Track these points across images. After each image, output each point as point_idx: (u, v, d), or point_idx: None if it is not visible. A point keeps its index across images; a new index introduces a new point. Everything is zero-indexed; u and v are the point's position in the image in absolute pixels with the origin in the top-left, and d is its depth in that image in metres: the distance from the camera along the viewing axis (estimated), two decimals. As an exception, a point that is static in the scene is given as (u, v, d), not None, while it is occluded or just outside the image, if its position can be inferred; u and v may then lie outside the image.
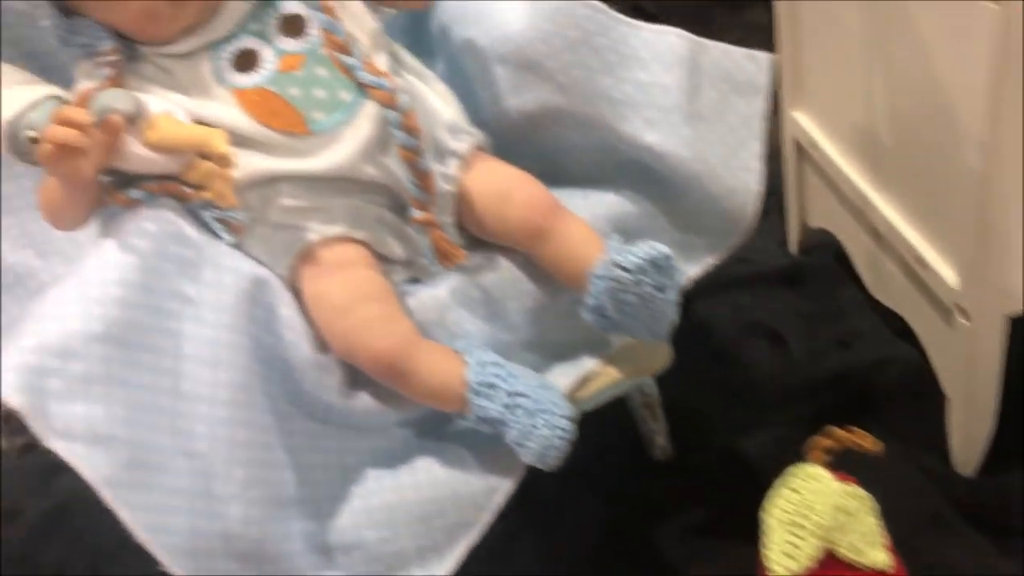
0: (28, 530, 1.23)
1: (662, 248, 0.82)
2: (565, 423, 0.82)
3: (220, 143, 0.78)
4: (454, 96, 0.93)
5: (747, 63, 0.91)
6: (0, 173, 0.92)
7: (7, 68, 0.81)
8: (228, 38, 0.84)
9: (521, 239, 0.88)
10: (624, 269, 0.81)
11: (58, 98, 0.79)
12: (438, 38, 0.99)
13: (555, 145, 0.95)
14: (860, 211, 1.12)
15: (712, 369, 1.20)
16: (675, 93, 0.88)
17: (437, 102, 0.91)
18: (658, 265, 0.82)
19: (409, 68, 0.92)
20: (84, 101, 0.75)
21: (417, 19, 1.00)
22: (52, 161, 0.73)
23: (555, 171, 0.97)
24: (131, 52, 0.84)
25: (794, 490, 0.82)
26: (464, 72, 0.96)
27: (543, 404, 0.82)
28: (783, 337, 1.23)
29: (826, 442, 0.85)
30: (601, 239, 0.87)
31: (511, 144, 0.95)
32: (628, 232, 0.92)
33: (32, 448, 1.38)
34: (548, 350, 0.93)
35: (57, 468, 1.27)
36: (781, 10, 1.16)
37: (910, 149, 0.99)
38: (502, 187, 0.88)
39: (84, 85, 0.83)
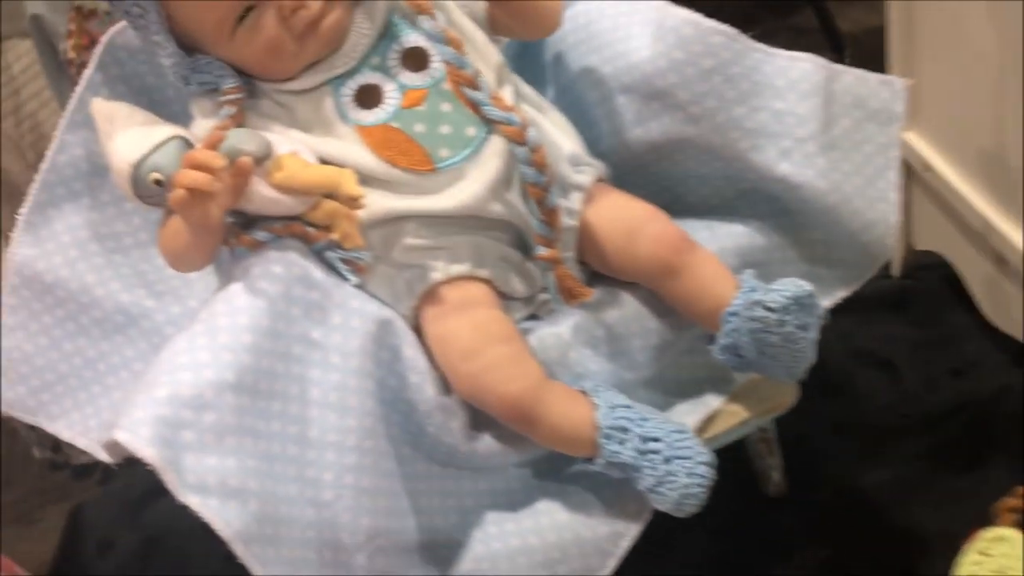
0: (121, 562, 1.22)
1: (805, 285, 0.79)
2: (704, 470, 0.79)
3: (351, 184, 0.75)
4: (572, 127, 0.90)
5: (882, 89, 0.87)
6: (110, 210, 0.90)
7: (127, 108, 0.79)
8: (350, 73, 0.82)
9: (649, 276, 0.85)
10: (768, 308, 0.77)
11: (182, 139, 0.77)
12: (551, 64, 0.96)
13: (677, 174, 0.92)
14: (980, 236, 1.08)
15: (821, 399, 1.16)
16: (810, 122, 0.84)
17: (557, 133, 0.88)
18: (802, 303, 0.78)
19: (527, 98, 0.89)
20: (213, 143, 0.72)
21: (528, 44, 0.97)
22: (182, 206, 0.71)
23: (675, 200, 0.94)
24: (251, 88, 0.82)
25: (986, 554, 0.78)
26: (581, 100, 0.93)
27: (680, 450, 0.79)
28: (894, 365, 1.19)
29: (1014, 502, 0.82)
30: (733, 275, 0.83)
31: (629, 173, 0.92)
32: (755, 264, 0.88)
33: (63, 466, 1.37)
34: (671, 387, 0.90)
35: (146, 499, 1.27)
36: (894, 32, 1.11)
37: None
38: (629, 222, 0.85)
39: (204, 124, 0.81)
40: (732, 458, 1.08)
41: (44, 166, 0.88)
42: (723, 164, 0.88)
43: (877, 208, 0.87)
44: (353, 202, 0.76)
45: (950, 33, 1.04)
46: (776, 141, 0.85)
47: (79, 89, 0.88)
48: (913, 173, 1.18)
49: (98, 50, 0.88)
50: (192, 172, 0.71)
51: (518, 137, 0.79)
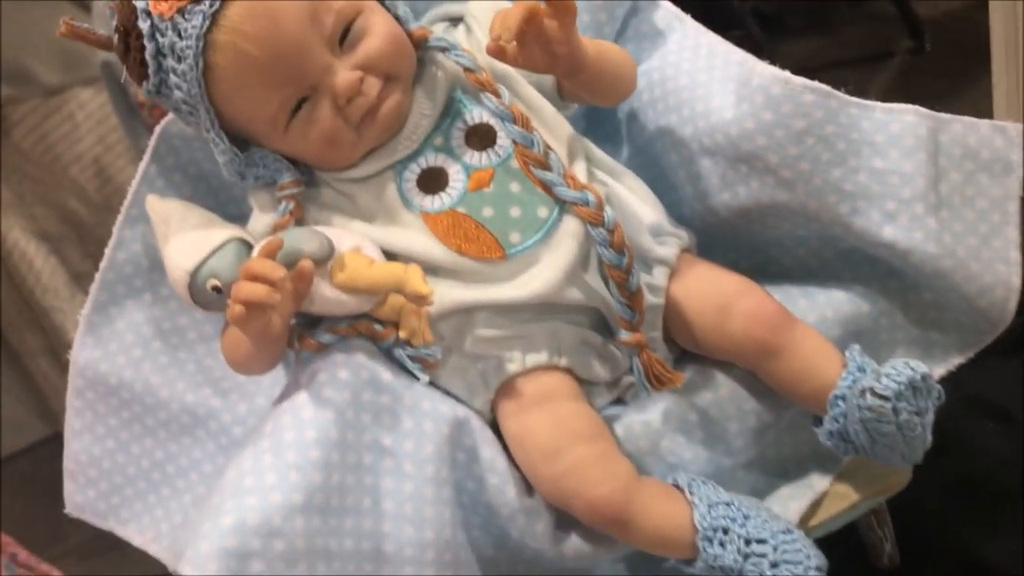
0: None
1: (919, 367, 0.71)
2: (816, 575, 0.71)
3: (417, 282, 0.70)
4: (651, 193, 0.84)
5: (994, 137, 0.79)
6: (172, 304, 0.87)
7: (182, 208, 0.75)
8: (412, 156, 0.77)
9: (745, 356, 0.78)
10: (879, 396, 0.70)
11: (240, 241, 0.73)
12: (625, 122, 0.90)
13: (770, 237, 0.84)
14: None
15: (933, 457, 1.07)
16: (916, 180, 0.76)
17: (635, 202, 0.82)
18: (917, 387, 0.71)
19: (600, 164, 0.83)
20: (271, 251, 0.68)
21: (600, 103, 0.90)
22: (241, 321, 0.67)
23: (769, 262, 0.87)
24: (310, 178, 0.78)
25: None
26: (659, 162, 0.86)
27: (788, 553, 0.72)
28: (1012, 416, 1.09)
29: None
30: (839, 353, 0.76)
31: (717, 237, 0.85)
32: (861, 333, 0.81)
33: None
34: (773, 469, 0.83)
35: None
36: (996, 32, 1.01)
37: None
38: (719, 298, 0.78)
39: (263, 218, 0.77)
40: (839, 529, 1.00)
41: (103, 264, 0.85)
42: (820, 227, 0.80)
43: (995, 270, 0.78)
44: (420, 300, 0.71)
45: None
46: (879, 203, 0.77)
47: (135, 183, 0.84)
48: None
49: (152, 141, 0.84)
50: (250, 285, 0.66)
51: (594, 218, 0.73)
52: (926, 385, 0.71)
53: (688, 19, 0.86)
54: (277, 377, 0.84)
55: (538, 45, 0.71)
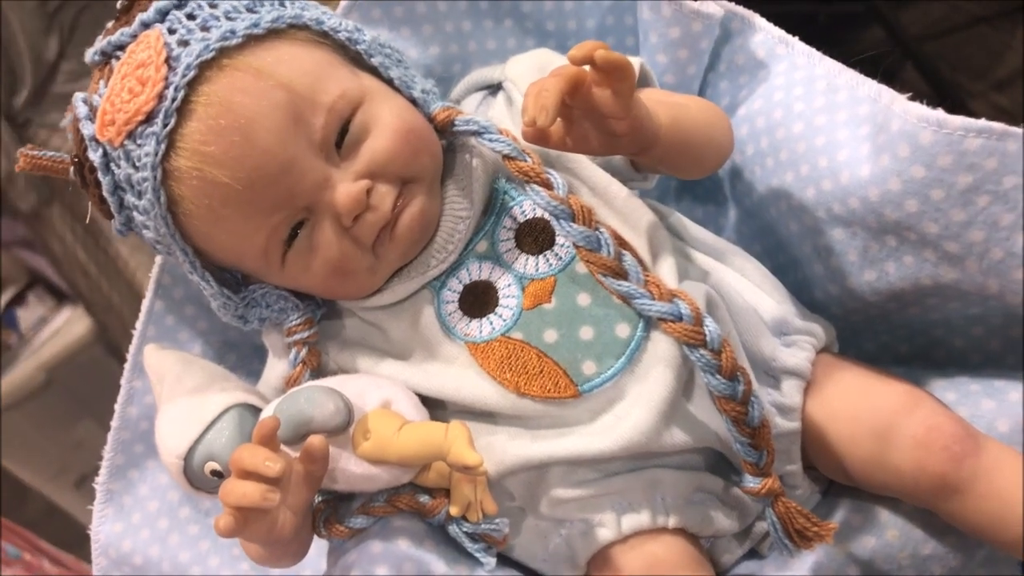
0: None
1: None
2: None
3: (462, 449, 0.53)
4: (769, 274, 0.64)
5: None
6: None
7: (179, 364, 0.61)
8: (451, 270, 0.60)
9: (918, 495, 0.58)
10: None
11: (243, 407, 0.58)
12: (727, 181, 0.71)
13: (935, 319, 0.64)
14: None
15: None
16: None
17: (750, 291, 0.63)
18: None
19: (697, 243, 0.64)
20: (266, 435, 0.52)
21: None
22: (237, 530, 0.51)
23: (933, 345, 0.66)
24: (330, 309, 0.62)
25: None
26: (776, 231, 0.67)
27: None
28: None
29: None
30: None
31: (860, 323, 0.65)
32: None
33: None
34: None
35: None
36: None
37: None
38: (877, 419, 0.58)
39: (277, 366, 0.63)
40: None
41: (114, 424, 0.72)
42: (1003, 306, 0.59)
43: None
44: (468, 471, 0.54)
45: None
46: (1090, 274, 0.55)
47: (139, 325, 0.71)
48: None
49: (154, 275, 0.71)
50: (240, 486, 0.51)
51: (691, 337, 0.54)
52: None
53: (796, 43, 0.66)
54: (321, 545, 0.68)
55: (589, 122, 0.53)
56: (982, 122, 0.54)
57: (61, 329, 1.73)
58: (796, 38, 0.67)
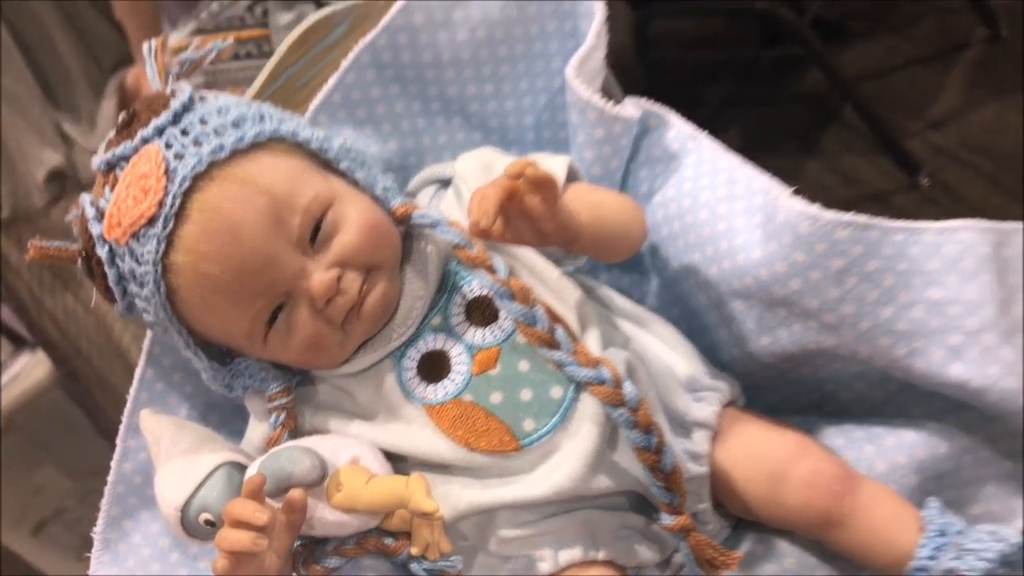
0: None
1: (1010, 536, 0.61)
2: None
3: (420, 498, 0.63)
4: (683, 339, 0.75)
5: (1074, 244, 0.68)
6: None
7: (173, 428, 0.70)
8: (410, 342, 0.70)
9: (808, 528, 0.69)
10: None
11: (230, 465, 0.67)
12: (648, 255, 0.82)
13: (822, 376, 0.75)
14: None
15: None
16: (983, 307, 0.66)
17: (666, 353, 0.73)
18: (1009, 561, 0.61)
19: (622, 313, 0.75)
20: (254, 489, 0.61)
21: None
22: (232, 571, 0.60)
23: (826, 399, 0.77)
24: (305, 376, 0.72)
25: None
26: (689, 301, 0.78)
27: None
28: None
29: None
30: (916, 513, 0.66)
31: (762, 380, 0.76)
32: (941, 475, 0.71)
33: None
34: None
35: None
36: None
37: None
38: (771, 464, 0.69)
39: (258, 428, 0.72)
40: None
41: (111, 478, 0.80)
42: (878, 369, 0.70)
43: None
44: (426, 517, 0.63)
45: None
46: (941, 339, 0.66)
47: (133, 390, 0.80)
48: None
49: (146, 346, 0.80)
50: (233, 533, 0.60)
51: (612, 398, 0.65)
52: (1020, 556, 0.61)
53: (703, 138, 0.77)
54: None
55: (523, 223, 0.64)
56: (849, 216, 0.66)
57: (20, 374, 1.77)
58: (704, 133, 0.78)
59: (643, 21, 2.12)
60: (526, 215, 0.63)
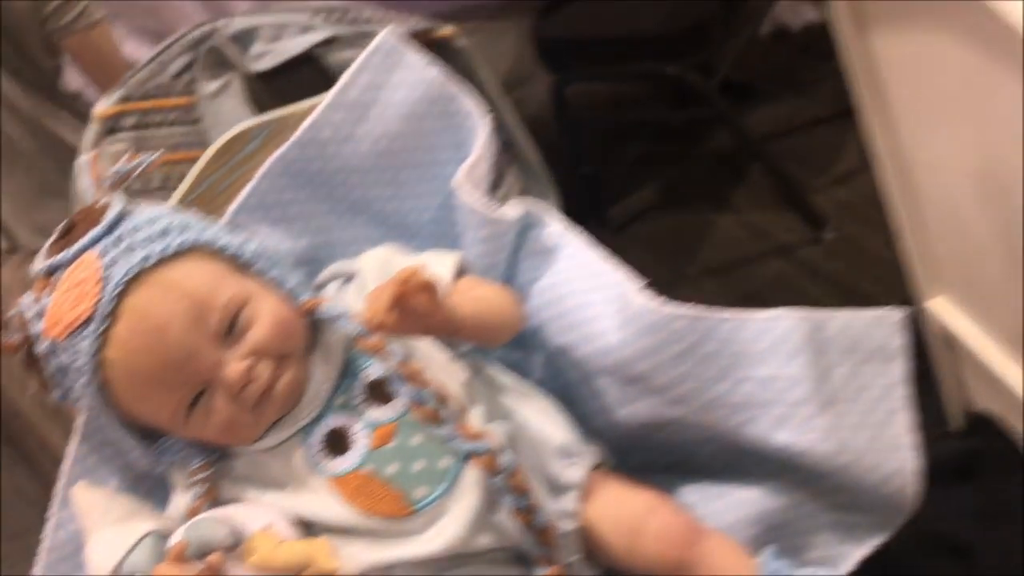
0: None
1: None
2: None
3: (324, 558, 0.73)
4: (559, 410, 0.86)
5: (875, 328, 0.81)
6: None
7: (104, 501, 0.79)
8: (316, 420, 0.80)
9: (662, 574, 0.80)
10: None
11: (157, 534, 0.77)
12: (533, 334, 0.93)
13: (677, 442, 0.87)
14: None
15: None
16: (802, 383, 0.79)
17: (542, 424, 0.84)
18: None
19: (505, 390, 0.86)
20: (179, 553, 0.71)
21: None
22: None
23: (684, 460, 0.89)
24: (224, 451, 0.81)
25: None
26: (564, 376, 0.89)
27: None
28: (969, 549, 1.09)
29: None
30: (752, 560, 0.78)
31: (627, 446, 0.88)
32: (779, 526, 0.83)
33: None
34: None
35: None
36: (900, 206, 1.04)
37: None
38: (630, 520, 0.80)
39: (181, 499, 0.81)
40: None
41: (45, 545, 0.88)
42: (719, 436, 0.83)
43: (893, 458, 0.80)
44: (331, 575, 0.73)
45: (952, 217, 0.97)
46: (768, 411, 0.79)
47: (66, 465, 0.88)
48: (951, 340, 1.10)
49: (79, 425, 0.88)
50: None
51: (490, 467, 0.76)
52: None
53: (574, 236, 0.89)
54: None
55: (412, 317, 0.75)
56: (684, 309, 0.78)
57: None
58: (580, 228, 0.91)
59: (561, 84, 2.25)
60: (413, 312, 0.74)
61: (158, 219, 0.78)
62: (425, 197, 0.93)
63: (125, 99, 1.48)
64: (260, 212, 0.90)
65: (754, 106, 2.34)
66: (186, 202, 0.88)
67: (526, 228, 0.92)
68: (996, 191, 0.81)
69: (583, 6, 2.26)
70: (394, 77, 0.90)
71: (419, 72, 0.90)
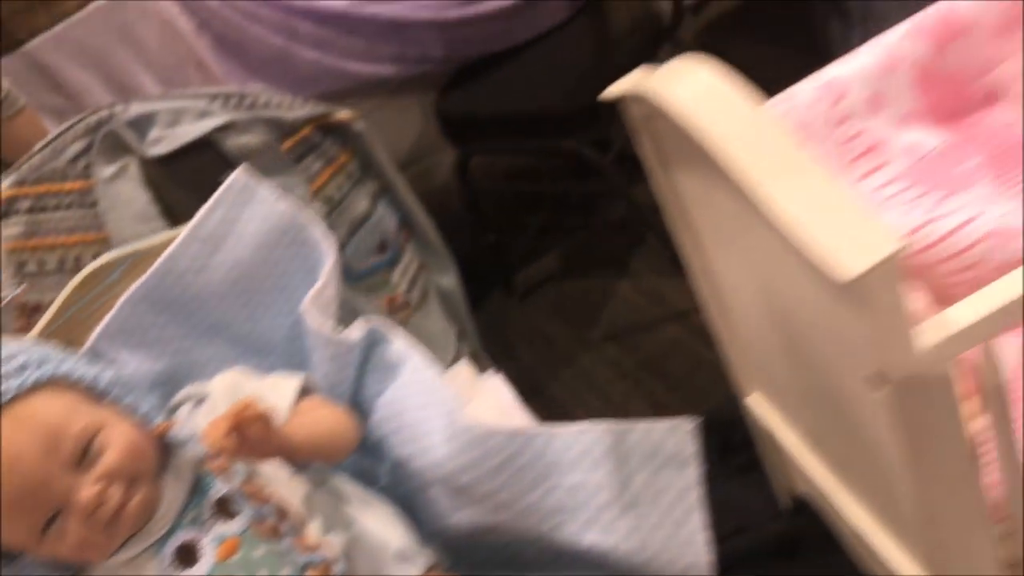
0: None
1: None
2: None
3: None
4: (399, 516, 0.95)
5: (670, 436, 0.91)
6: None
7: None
8: (168, 534, 0.87)
9: None
10: None
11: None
12: (378, 446, 1.02)
13: (506, 542, 0.96)
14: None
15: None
16: (606, 488, 0.89)
17: (381, 529, 0.93)
18: None
19: (348, 500, 0.94)
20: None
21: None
22: None
23: (511, 559, 0.98)
24: (80, 566, 0.88)
25: None
26: (405, 485, 0.98)
27: None
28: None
29: None
30: None
31: (461, 549, 0.96)
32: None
33: None
34: None
35: None
36: (715, 316, 1.15)
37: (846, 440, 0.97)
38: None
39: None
40: None
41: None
42: (539, 539, 0.92)
43: (688, 553, 0.90)
44: None
45: (746, 325, 1.08)
46: (576, 515, 0.89)
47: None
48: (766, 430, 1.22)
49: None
50: None
51: (328, 573, 0.84)
52: None
53: (415, 354, 0.99)
54: None
55: (249, 443, 0.83)
56: (499, 426, 0.88)
57: None
58: (416, 347, 1.00)
59: (464, 157, 2.35)
60: (249, 440, 0.82)
61: (16, 355, 0.85)
62: (278, 319, 1.02)
63: (20, 183, 1.44)
64: (121, 338, 0.98)
65: (642, 178, 2.45)
66: (50, 331, 0.96)
67: (372, 344, 1.01)
68: (778, 310, 0.92)
69: (484, 83, 2.37)
70: (246, 211, 0.99)
71: (270, 205, 1.00)
